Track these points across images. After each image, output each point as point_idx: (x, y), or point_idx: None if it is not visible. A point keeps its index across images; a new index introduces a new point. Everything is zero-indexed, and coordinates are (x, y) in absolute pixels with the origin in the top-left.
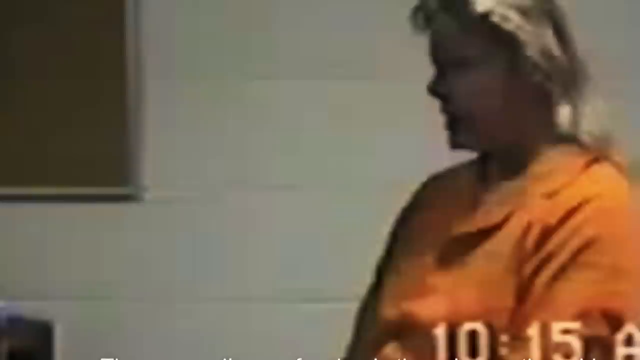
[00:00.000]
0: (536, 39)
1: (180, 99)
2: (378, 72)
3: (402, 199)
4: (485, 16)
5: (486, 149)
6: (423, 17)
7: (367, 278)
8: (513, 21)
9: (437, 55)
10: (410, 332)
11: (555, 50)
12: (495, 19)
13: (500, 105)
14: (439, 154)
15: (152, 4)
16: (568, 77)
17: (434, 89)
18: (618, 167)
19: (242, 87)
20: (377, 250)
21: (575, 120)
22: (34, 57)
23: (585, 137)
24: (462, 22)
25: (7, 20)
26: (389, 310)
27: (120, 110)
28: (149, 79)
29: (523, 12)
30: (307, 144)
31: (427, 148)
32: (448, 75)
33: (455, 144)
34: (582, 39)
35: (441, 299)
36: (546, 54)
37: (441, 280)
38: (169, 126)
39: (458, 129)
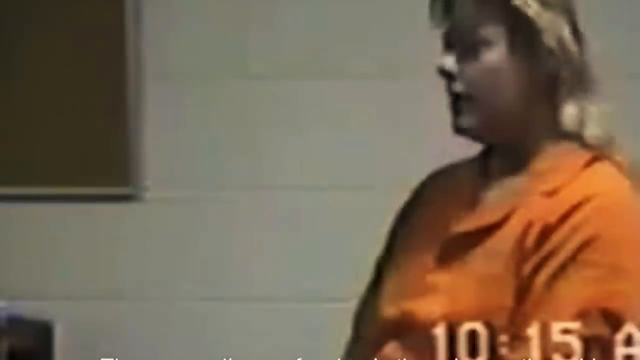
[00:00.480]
0: (554, 28)
1: (180, 99)
2: (378, 72)
3: (403, 198)
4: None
5: (487, 139)
6: (442, 4)
7: (367, 278)
8: (533, 7)
9: (451, 35)
10: (410, 331)
11: (571, 45)
12: (516, 2)
13: (508, 89)
14: (440, 153)
15: (152, 5)
16: (578, 75)
17: (444, 67)
18: (619, 166)
19: (242, 87)
20: (377, 249)
21: (579, 120)
22: (34, 57)
23: (588, 138)
24: (482, 4)
25: (7, 20)
26: (388, 309)
27: (120, 110)
28: (149, 80)
29: (544, 2)
30: (308, 144)
31: (428, 147)
32: (460, 54)
33: (457, 128)
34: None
35: (441, 298)
36: (562, 44)
37: (441, 278)
38: (169, 126)
39: (461, 110)
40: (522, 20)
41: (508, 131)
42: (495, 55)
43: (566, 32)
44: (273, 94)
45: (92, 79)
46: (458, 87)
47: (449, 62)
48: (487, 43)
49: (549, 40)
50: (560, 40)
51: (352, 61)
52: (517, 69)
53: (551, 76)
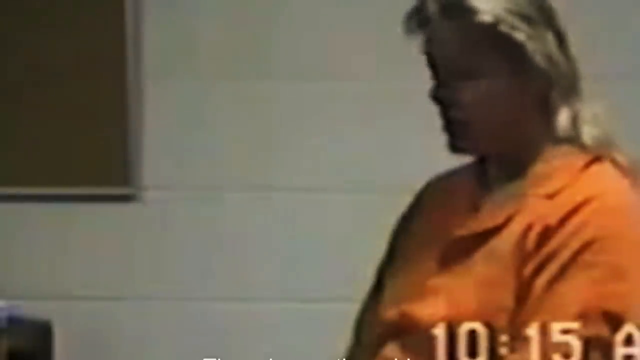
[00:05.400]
0: (541, 46)
1: (180, 99)
2: (378, 73)
3: (404, 200)
4: (492, 26)
5: (484, 153)
6: (417, 21)
7: (367, 279)
8: (522, 30)
9: (439, 61)
10: (410, 333)
11: (557, 55)
12: (504, 28)
13: (503, 112)
14: (441, 155)
15: (152, 4)
16: (568, 81)
17: (437, 95)
18: (618, 166)
19: (242, 87)
20: (377, 250)
21: (575, 123)
22: (34, 57)
23: (585, 140)
24: (467, 31)
25: (8, 20)
26: (389, 312)
27: (120, 110)
28: (149, 79)
29: (528, 19)
30: (307, 145)
31: (430, 148)
32: (452, 82)
33: (454, 149)
34: (582, 39)
35: (442, 301)
36: (550, 59)
37: (442, 282)
38: (169, 126)
39: (457, 134)
40: (511, 45)
41: (504, 144)
42: (487, 81)
43: (554, 46)
44: (273, 94)
45: (92, 79)
46: (452, 113)
47: (442, 91)
48: (477, 70)
49: (540, 61)
50: (549, 57)
51: (353, 62)
52: (510, 90)
53: (544, 90)
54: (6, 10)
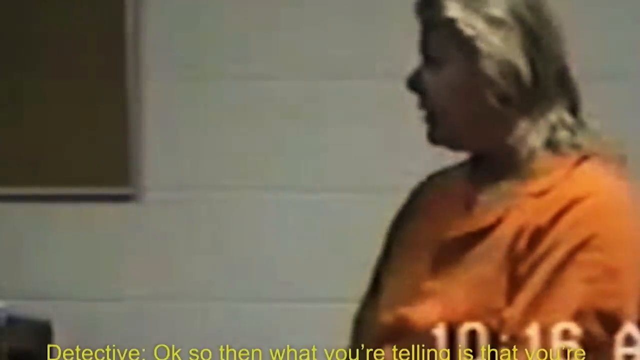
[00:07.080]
0: (499, 52)
1: (180, 99)
2: (378, 73)
3: (402, 199)
4: (452, 21)
5: (463, 149)
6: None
7: (366, 279)
8: (476, 29)
9: (420, 49)
10: (407, 336)
11: (521, 64)
12: (460, 25)
13: (465, 107)
14: (441, 155)
15: (152, 4)
16: (539, 87)
17: (410, 83)
18: (608, 162)
19: (242, 87)
20: (376, 250)
21: (562, 124)
22: (33, 56)
23: (574, 139)
24: (435, 22)
25: (7, 20)
26: (385, 315)
27: (120, 110)
28: (149, 79)
29: (492, 21)
30: (307, 144)
31: (429, 149)
32: (423, 71)
33: (432, 139)
34: (581, 38)
35: (436, 303)
36: (506, 72)
37: (436, 284)
38: (169, 126)
39: (434, 124)
40: (464, 44)
41: (482, 141)
42: (448, 74)
43: (516, 52)
44: (273, 94)
45: (92, 79)
46: (425, 103)
47: (415, 79)
48: (441, 62)
49: (491, 70)
50: (505, 63)
51: (352, 62)
52: (468, 88)
53: (505, 94)
54: (5, 8)
